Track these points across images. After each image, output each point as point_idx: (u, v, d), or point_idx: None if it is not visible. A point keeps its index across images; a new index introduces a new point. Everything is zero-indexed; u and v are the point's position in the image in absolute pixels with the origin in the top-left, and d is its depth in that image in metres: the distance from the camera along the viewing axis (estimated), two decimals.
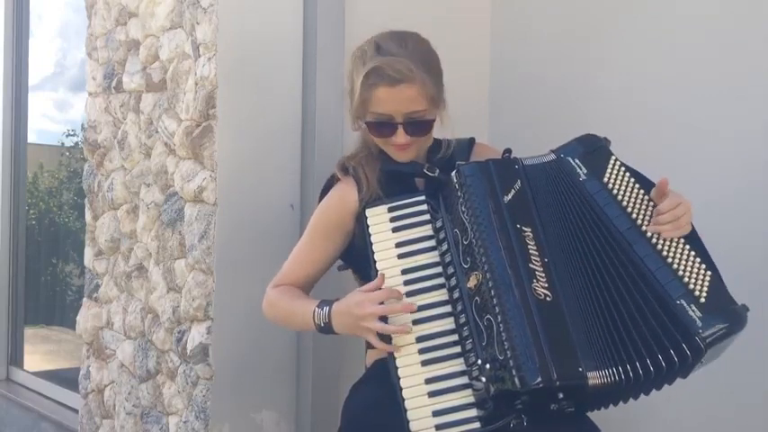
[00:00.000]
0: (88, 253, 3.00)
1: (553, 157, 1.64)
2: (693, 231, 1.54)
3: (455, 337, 1.54)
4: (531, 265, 1.49)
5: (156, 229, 2.54)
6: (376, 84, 1.65)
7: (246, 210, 2.28)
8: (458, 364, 1.52)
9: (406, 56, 1.66)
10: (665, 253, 1.49)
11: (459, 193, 1.59)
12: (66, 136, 4.37)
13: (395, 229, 1.65)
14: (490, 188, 1.57)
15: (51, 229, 4.43)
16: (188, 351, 2.31)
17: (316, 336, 2.29)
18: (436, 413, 1.49)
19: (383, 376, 1.58)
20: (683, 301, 1.43)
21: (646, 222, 1.52)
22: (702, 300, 1.43)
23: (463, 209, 1.57)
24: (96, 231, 2.94)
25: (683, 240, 1.51)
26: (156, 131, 2.53)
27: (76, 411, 3.10)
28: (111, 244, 2.84)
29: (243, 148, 2.28)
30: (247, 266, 2.26)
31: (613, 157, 1.61)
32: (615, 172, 1.59)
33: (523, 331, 1.42)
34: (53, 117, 4.51)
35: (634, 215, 1.53)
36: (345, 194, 1.78)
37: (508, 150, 1.70)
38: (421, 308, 1.57)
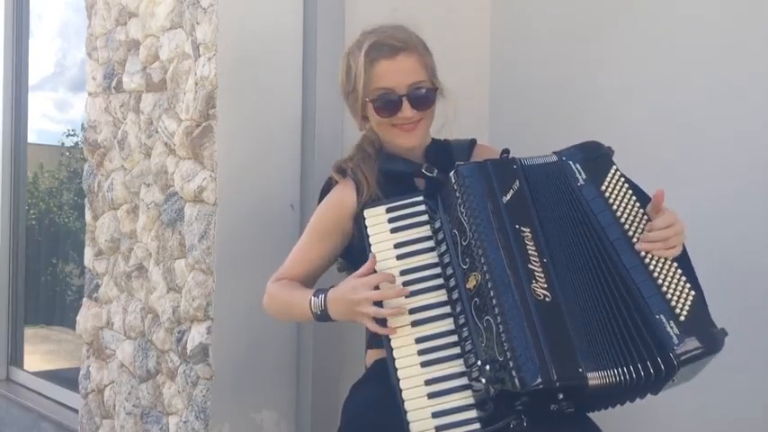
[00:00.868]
0: (88, 253, 3.00)
1: (555, 158, 1.64)
2: (684, 251, 1.53)
3: (454, 338, 1.54)
4: (531, 266, 1.49)
5: (156, 229, 2.54)
6: (377, 58, 1.71)
7: (246, 210, 2.28)
8: (457, 365, 1.52)
9: (399, 28, 1.76)
10: (651, 267, 1.49)
11: (457, 194, 1.59)
12: (67, 136, 4.37)
13: (393, 230, 1.65)
14: (488, 188, 1.57)
15: (51, 229, 4.43)
16: (188, 351, 2.31)
17: (316, 335, 2.30)
18: (436, 414, 1.49)
19: (383, 376, 1.58)
20: (662, 317, 1.43)
21: (637, 235, 1.52)
22: (682, 318, 1.43)
23: (462, 209, 1.57)
24: (96, 231, 2.94)
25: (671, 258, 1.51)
26: (156, 131, 2.53)
27: (76, 411, 3.11)
28: (111, 244, 2.84)
29: (243, 148, 2.28)
30: (247, 266, 2.26)
31: (614, 167, 1.61)
32: (614, 182, 1.59)
33: (523, 332, 1.42)
34: (53, 117, 4.51)
35: (626, 226, 1.53)
36: (344, 196, 1.78)
37: (506, 150, 1.70)
38: (420, 309, 1.57)
